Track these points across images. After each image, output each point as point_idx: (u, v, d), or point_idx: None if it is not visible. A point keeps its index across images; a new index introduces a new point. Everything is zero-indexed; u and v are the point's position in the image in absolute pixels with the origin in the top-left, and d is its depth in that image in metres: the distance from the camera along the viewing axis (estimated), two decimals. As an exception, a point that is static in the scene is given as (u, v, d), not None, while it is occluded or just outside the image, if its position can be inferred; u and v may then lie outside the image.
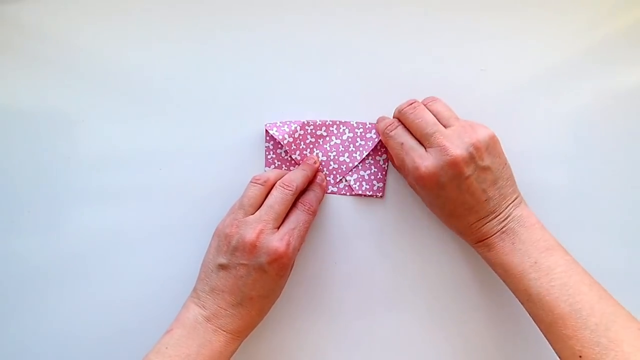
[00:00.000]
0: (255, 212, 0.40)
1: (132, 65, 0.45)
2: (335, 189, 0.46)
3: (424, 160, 0.38)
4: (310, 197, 0.43)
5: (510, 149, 0.44)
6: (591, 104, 0.44)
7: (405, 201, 0.46)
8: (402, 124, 0.41)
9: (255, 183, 0.41)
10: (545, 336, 0.37)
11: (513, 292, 0.39)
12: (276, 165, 0.46)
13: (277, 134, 0.44)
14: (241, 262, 0.38)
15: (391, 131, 0.41)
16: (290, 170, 0.44)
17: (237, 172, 0.45)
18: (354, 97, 0.45)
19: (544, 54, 0.44)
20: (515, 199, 0.40)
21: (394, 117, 0.43)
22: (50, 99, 0.46)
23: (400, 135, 0.41)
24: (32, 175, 0.46)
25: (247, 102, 0.45)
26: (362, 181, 0.46)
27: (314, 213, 0.42)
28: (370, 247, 0.46)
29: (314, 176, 0.44)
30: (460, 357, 0.47)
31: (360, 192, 0.46)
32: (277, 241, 0.38)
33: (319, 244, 0.47)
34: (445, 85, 0.44)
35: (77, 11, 0.45)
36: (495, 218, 0.39)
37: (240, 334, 0.40)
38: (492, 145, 0.39)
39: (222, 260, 0.39)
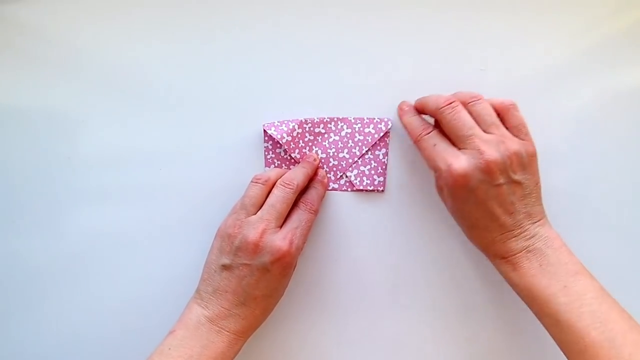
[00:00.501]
0: (257, 211, 0.40)
1: (132, 65, 0.45)
2: (336, 186, 0.46)
3: (457, 160, 0.37)
4: (312, 195, 0.43)
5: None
6: (591, 104, 0.44)
7: (407, 194, 0.46)
8: (437, 125, 0.41)
9: (257, 182, 0.41)
10: None
11: (538, 316, 0.38)
12: (276, 164, 0.46)
13: (275, 133, 0.44)
14: (244, 262, 0.38)
15: (426, 134, 0.40)
16: (291, 169, 0.44)
17: (237, 172, 0.45)
18: (353, 97, 0.45)
19: (544, 54, 0.44)
20: (542, 219, 0.39)
21: (424, 112, 0.42)
22: (50, 99, 0.46)
23: (433, 137, 0.40)
24: (32, 175, 0.46)
25: (247, 102, 0.45)
26: (362, 176, 0.46)
27: (315, 212, 0.42)
28: (372, 243, 0.46)
29: (315, 173, 0.44)
30: (462, 355, 0.47)
31: (361, 187, 0.46)
32: (280, 240, 0.38)
33: (321, 242, 0.47)
34: (445, 85, 0.44)
35: (77, 11, 0.45)
36: (520, 234, 0.38)
37: (244, 334, 0.40)
38: (528, 162, 0.38)
39: (225, 260, 0.39)
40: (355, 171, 0.46)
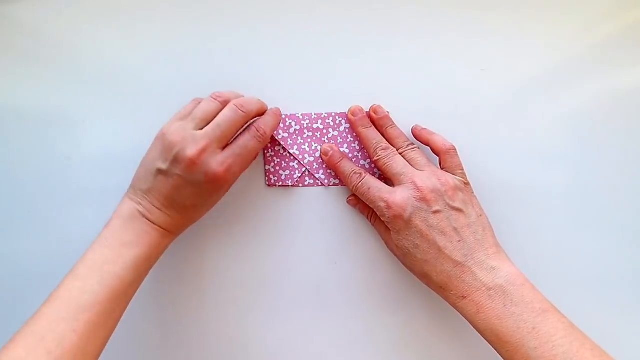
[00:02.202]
0: (205, 127, 0.39)
1: (132, 65, 0.45)
2: (337, 181, 0.46)
3: (392, 195, 0.39)
4: (265, 120, 0.41)
5: (511, 149, 0.45)
6: (591, 104, 0.44)
7: None
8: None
9: (214, 99, 0.40)
10: None
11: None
12: (275, 162, 0.46)
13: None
14: (178, 173, 0.38)
15: (360, 181, 0.41)
16: (290, 167, 0.45)
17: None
18: (353, 97, 0.45)
19: (544, 54, 0.44)
20: (498, 252, 0.38)
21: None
22: (50, 99, 0.46)
23: (366, 182, 0.41)
24: (32, 175, 0.46)
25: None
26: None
27: (264, 140, 0.41)
28: (373, 239, 0.46)
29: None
30: (465, 355, 0.47)
31: None
32: (216, 164, 0.38)
33: (319, 239, 0.46)
34: (445, 85, 0.44)
35: (77, 11, 0.45)
36: (477, 268, 0.37)
37: (173, 232, 0.41)
38: (465, 191, 0.39)
39: (161, 165, 0.39)
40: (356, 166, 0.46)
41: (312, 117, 0.45)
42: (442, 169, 0.41)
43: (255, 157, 0.41)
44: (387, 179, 0.42)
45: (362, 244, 0.46)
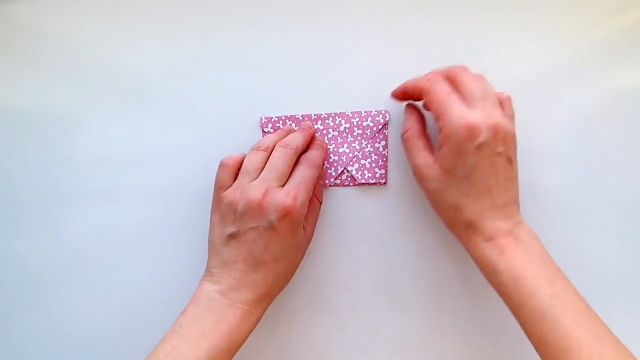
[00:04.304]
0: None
1: (132, 65, 0.45)
2: (338, 181, 0.46)
3: (472, 112, 0.36)
4: (313, 153, 0.42)
5: (510, 149, 0.45)
6: (591, 104, 0.44)
7: (409, 186, 0.45)
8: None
9: (258, 149, 0.41)
10: None
11: (519, 310, 0.35)
12: None
13: (271, 131, 0.44)
14: (250, 225, 0.38)
15: (441, 79, 0.38)
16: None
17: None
18: (353, 97, 0.45)
19: (544, 54, 0.44)
20: (519, 213, 0.39)
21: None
22: (51, 99, 0.46)
23: (449, 87, 0.38)
24: (32, 175, 0.46)
25: (246, 101, 0.45)
26: (363, 170, 0.46)
27: (318, 167, 0.41)
28: (376, 239, 0.46)
29: (313, 138, 0.44)
30: (468, 354, 0.47)
31: (363, 180, 0.45)
32: (283, 197, 0.38)
33: (324, 240, 0.46)
34: (445, 85, 0.44)
35: (77, 11, 0.45)
36: (509, 216, 0.37)
37: (258, 304, 0.39)
38: (515, 149, 0.39)
39: (231, 229, 0.38)
40: (357, 165, 0.46)
41: (312, 118, 0.45)
42: None
43: (315, 183, 0.41)
44: (465, 96, 0.37)
45: (361, 244, 0.46)
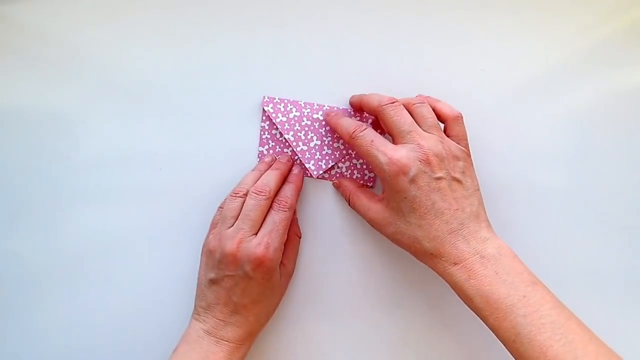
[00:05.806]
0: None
1: (132, 65, 0.45)
2: (326, 175, 0.46)
3: (397, 152, 0.37)
4: (285, 192, 0.42)
5: (511, 149, 0.45)
6: (591, 104, 0.44)
7: None
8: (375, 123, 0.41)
9: (235, 196, 0.42)
10: None
11: (495, 331, 0.35)
12: (270, 145, 0.46)
13: (271, 110, 0.45)
14: (227, 273, 0.40)
15: (361, 132, 0.39)
16: (283, 153, 0.45)
17: (237, 172, 0.45)
18: (351, 94, 0.45)
19: (544, 54, 0.44)
20: (488, 225, 0.38)
21: (361, 109, 0.43)
22: (51, 99, 0.46)
23: (369, 134, 0.39)
24: (32, 175, 0.46)
25: (246, 101, 0.45)
26: (353, 169, 0.46)
27: (290, 209, 0.42)
28: (363, 236, 0.46)
29: (289, 170, 0.45)
30: (468, 353, 0.47)
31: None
32: (254, 247, 0.39)
33: (314, 238, 0.46)
34: (445, 85, 0.44)
35: (77, 11, 0.45)
36: (470, 236, 0.37)
37: (244, 341, 0.41)
38: (466, 167, 0.39)
39: (211, 275, 0.40)
40: (347, 163, 0.46)
41: (314, 107, 0.45)
42: (447, 136, 0.40)
43: (288, 226, 0.42)
44: (392, 136, 0.40)
45: (352, 238, 0.46)
